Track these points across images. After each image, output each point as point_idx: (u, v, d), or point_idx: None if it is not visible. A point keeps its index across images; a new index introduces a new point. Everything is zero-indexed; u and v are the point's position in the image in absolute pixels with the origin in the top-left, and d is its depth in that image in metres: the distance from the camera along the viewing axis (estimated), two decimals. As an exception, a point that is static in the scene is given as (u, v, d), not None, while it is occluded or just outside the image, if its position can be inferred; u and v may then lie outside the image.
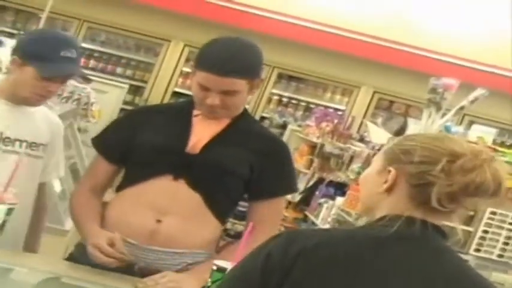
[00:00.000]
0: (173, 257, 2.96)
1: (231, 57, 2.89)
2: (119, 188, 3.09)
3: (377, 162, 2.04)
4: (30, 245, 3.24)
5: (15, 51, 3.02)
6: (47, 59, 2.92)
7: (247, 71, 2.94)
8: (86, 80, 3.26)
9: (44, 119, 3.18)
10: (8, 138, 3.02)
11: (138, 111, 3.35)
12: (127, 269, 2.89)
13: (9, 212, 2.71)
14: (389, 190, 1.96)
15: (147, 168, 2.98)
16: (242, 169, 2.99)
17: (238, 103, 3.01)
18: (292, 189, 3.24)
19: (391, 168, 1.96)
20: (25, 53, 2.96)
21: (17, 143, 3.04)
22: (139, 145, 3.00)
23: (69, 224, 5.23)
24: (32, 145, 3.08)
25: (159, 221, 2.92)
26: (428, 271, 1.86)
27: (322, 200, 7.20)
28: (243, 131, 3.06)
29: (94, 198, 3.08)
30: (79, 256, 3.00)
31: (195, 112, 3.04)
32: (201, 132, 3.00)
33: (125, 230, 2.91)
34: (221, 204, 3.04)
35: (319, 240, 1.91)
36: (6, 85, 3.06)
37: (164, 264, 2.94)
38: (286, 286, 1.84)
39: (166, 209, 2.93)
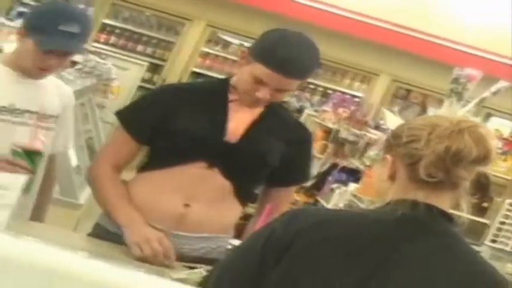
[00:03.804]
0: (199, 242, 2.96)
1: (299, 60, 2.81)
2: (144, 169, 3.04)
3: (381, 152, 2.09)
4: (37, 216, 3.21)
5: (23, 22, 2.99)
6: (45, 32, 2.87)
7: (308, 75, 2.93)
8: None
9: (56, 91, 3.14)
10: (18, 109, 2.98)
11: (169, 91, 3.17)
12: None
13: (41, 160, 2.78)
14: (392, 177, 2.00)
15: (181, 154, 2.92)
16: (276, 160, 2.98)
17: (283, 98, 3.00)
18: (309, 178, 3.37)
19: (387, 156, 2.01)
20: (27, 24, 2.93)
21: (27, 114, 3.01)
22: (174, 131, 2.91)
23: (83, 198, 5.28)
24: (42, 117, 3.06)
25: (187, 205, 2.90)
26: (429, 254, 1.89)
27: (334, 186, 7.22)
28: (275, 119, 3.03)
29: (118, 178, 3.02)
30: (98, 237, 2.99)
31: (231, 97, 2.98)
32: (238, 120, 2.95)
33: (151, 214, 2.90)
34: (249, 192, 3.07)
35: (320, 220, 1.97)
36: (14, 56, 3.03)
37: (189, 250, 2.93)
38: (283, 263, 1.89)
39: (195, 195, 2.90)
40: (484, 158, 1.90)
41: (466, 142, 1.87)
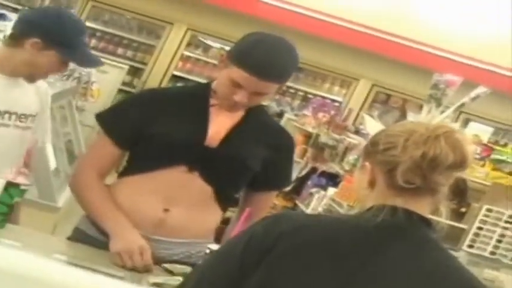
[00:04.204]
0: (179, 247, 2.96)
1: (275, 63, 2.82)
2: (124, 173, 3.03)
3: (360, 160, 2.10)
4: (13, 216, 3.07)
5: (34, 32, 2.95)
6: (72, 45, 2.93)
7: (286, 78, 2.91)
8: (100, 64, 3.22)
9: (35, 89, 3.15)
10: None
11: (150, 95, 3.14)
12: None
13: (22, 193, 2.72)
14: (371, 184, 2.00)
15: (161, 158, 2.91)
16: (257, 164, 2.98)
17: (262, 101, 2.99)
18: (290, 182, 3.36)
19: (366, 163, 2.02)
20: (49, 37, 2.92)
21: (6, 115, 3.01)
22: (154, 136, 2.90)
23: (61, 201, 5.25)
24: (21, 117, 3.06)
25: (166, 210, 2.89)
26: (408, 260, 1.90)
27: (313, 190, 7.23)
28: (257, 123, 3.02)
29: (103, 183, 2.99)
30: (78, 241, 2.97)
31: (212, 101, 2.97)
32: (218, 124, 2.95)
33: (130, 219, 2.88)
34: (229, 196, 3.06)
35: (302, 224, 1.97)
36: (1, 58, 3.03)
37: (168, 254, 2.93)
38: (263, 266, 1.89)
39: (175, 199, 2.90)
40: (460, 163, 1.91)
41: (442, 148, 1.88)
